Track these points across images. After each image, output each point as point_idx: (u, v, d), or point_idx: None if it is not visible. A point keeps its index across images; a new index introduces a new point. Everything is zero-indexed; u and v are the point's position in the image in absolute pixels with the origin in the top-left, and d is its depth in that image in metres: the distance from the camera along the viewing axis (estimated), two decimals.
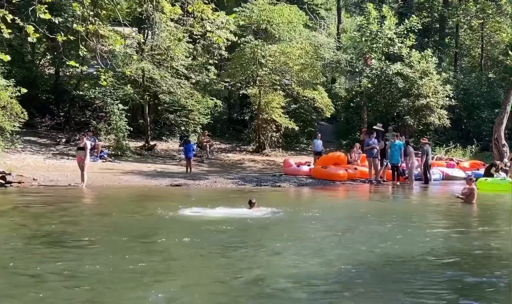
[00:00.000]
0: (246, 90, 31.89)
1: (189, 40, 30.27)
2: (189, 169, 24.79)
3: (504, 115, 30.01)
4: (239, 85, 33.37)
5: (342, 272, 7.80)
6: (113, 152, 27.68)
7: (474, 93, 38.99)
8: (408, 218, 13.52)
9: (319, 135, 29.72)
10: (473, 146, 34.67)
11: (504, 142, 29.49)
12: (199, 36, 29.93)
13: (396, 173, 25.06)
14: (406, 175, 24.89)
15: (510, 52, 29.15)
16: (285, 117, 31.31)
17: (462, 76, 41.30)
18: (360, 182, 24.79)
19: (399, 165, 25.05)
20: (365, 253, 9.04)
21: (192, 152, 25.76)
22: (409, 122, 34.11)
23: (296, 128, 31.84)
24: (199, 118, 31.77)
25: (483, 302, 6.54)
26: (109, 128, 28.90)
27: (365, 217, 13.73)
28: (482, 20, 36.72)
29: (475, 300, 6.54)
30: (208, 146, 30.10)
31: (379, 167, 24.94)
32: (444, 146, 33.90)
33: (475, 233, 11.41)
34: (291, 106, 33.95)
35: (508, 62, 29.45)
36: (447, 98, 34.51)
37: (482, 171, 26.01)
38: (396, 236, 10.62)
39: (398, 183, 24.51)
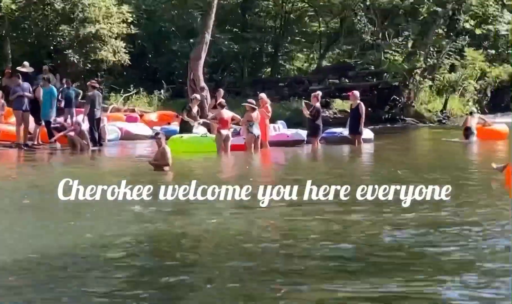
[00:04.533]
0: None
1: None
2: None
3: (202, 46, 27.77)
4: None
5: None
6: None
7: (162, 17, 35.97)
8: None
9: None
10: (163, 91, 32.11)
11: (203, 84, 26.61)
12: None
13: (50, 131, 22.13)
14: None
15: None
16: None
17: None
18: (4, 147, 21.34)
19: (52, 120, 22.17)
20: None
21: None
22: (72, 58, 30.01)
23: None
24: None
25: None
26: None
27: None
28: None
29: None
30: None
31: (33, 124, 21.65)
32: (122, 92, 30.83)
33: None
34: None
35: None
36: (125, 25, 31.42)
37: (175, 125, 23.82)
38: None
39: (58, 146, 21.40)
